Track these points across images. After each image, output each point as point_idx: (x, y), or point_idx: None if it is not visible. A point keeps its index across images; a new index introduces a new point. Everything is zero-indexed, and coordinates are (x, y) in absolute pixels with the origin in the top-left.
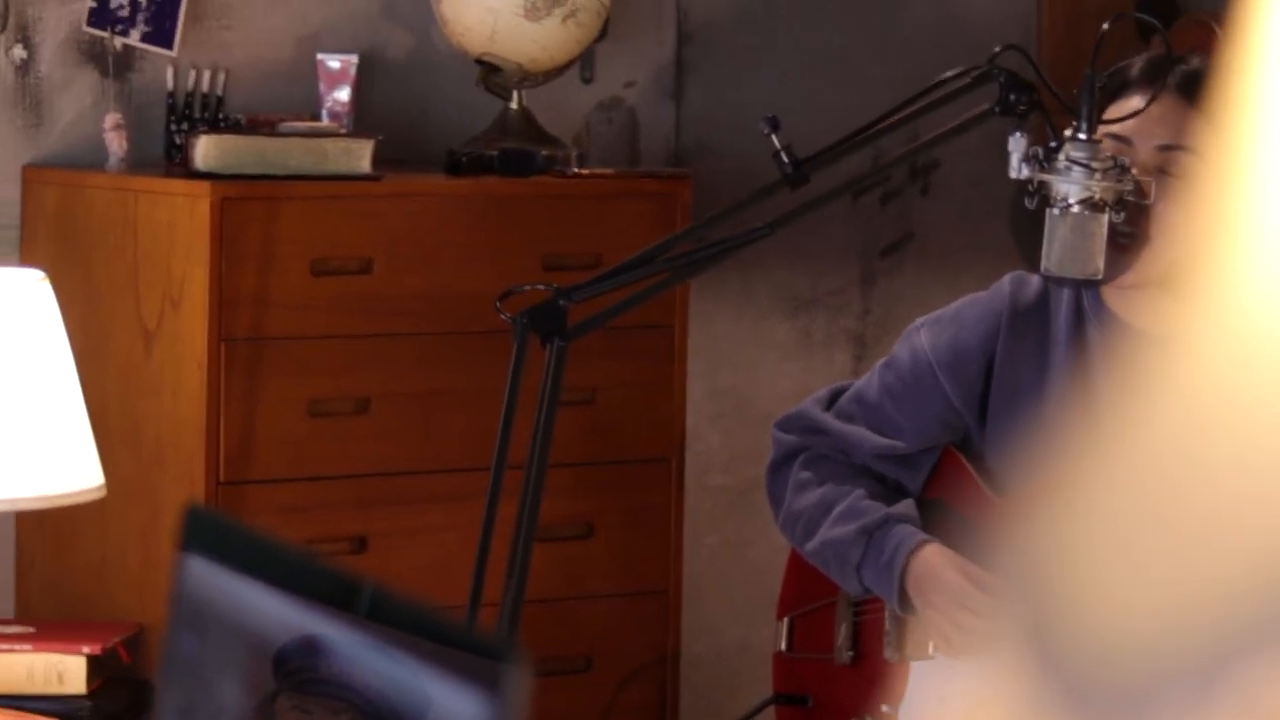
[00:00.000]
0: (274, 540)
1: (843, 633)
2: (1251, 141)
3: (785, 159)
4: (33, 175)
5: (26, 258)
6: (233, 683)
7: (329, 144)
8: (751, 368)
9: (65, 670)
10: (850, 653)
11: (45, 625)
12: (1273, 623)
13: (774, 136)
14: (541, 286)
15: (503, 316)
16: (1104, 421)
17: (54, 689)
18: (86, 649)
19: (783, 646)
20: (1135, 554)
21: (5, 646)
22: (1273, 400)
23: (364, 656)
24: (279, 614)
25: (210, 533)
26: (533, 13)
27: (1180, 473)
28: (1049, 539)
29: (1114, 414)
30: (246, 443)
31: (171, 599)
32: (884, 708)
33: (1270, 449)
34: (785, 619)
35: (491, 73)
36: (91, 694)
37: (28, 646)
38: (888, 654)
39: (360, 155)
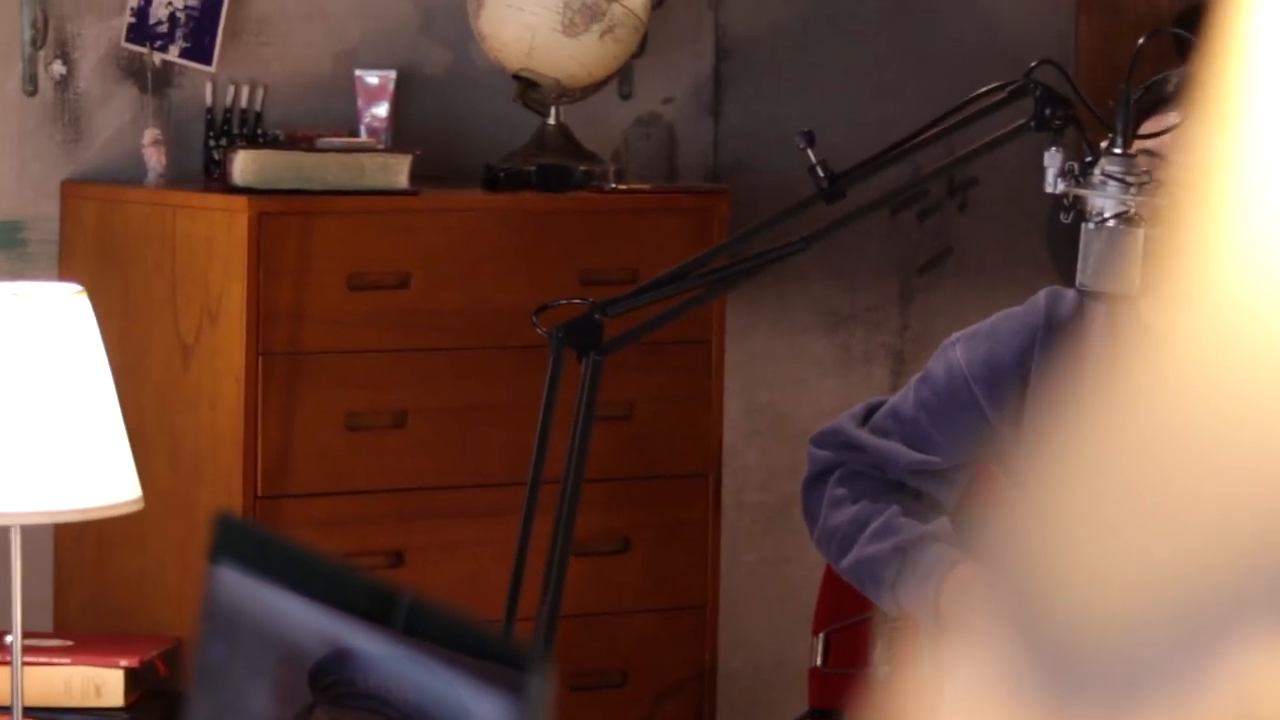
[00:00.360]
0: (308, 550)
1: (879, 648)
2: (1239, 138)
3: (821, 174)
4: (71, 191)
5: (65, 273)
6: (264, 692)
7: (366, 159)
8: (789, 384)
9: (103, 683)
10: (886, 667)
11: (83, 639)
12: (1256, 597)
13: (809, 151)
14: (577, 300)
15: (538, 331)
16: (1095, 407)
17: (92, 702)
18: (124, 662)
19: (818, 662)
20: (1120, 532)
21: (44, 660)
22: (1259, 382)
23: (401, 670)
24: (315, 626)
25: (242, 542)
26: (570, 28)
27: (1168, 453)
28: (1037, 523)
29: (1106, 400)
30: (284, 457)
31: (202, 608)
32: None
33: (1255, 427)
34: (821, 634)
35: (529, 88)
36: (129, 707)
37: (66, 660)
38: (923, 669)
39: (398, 170)
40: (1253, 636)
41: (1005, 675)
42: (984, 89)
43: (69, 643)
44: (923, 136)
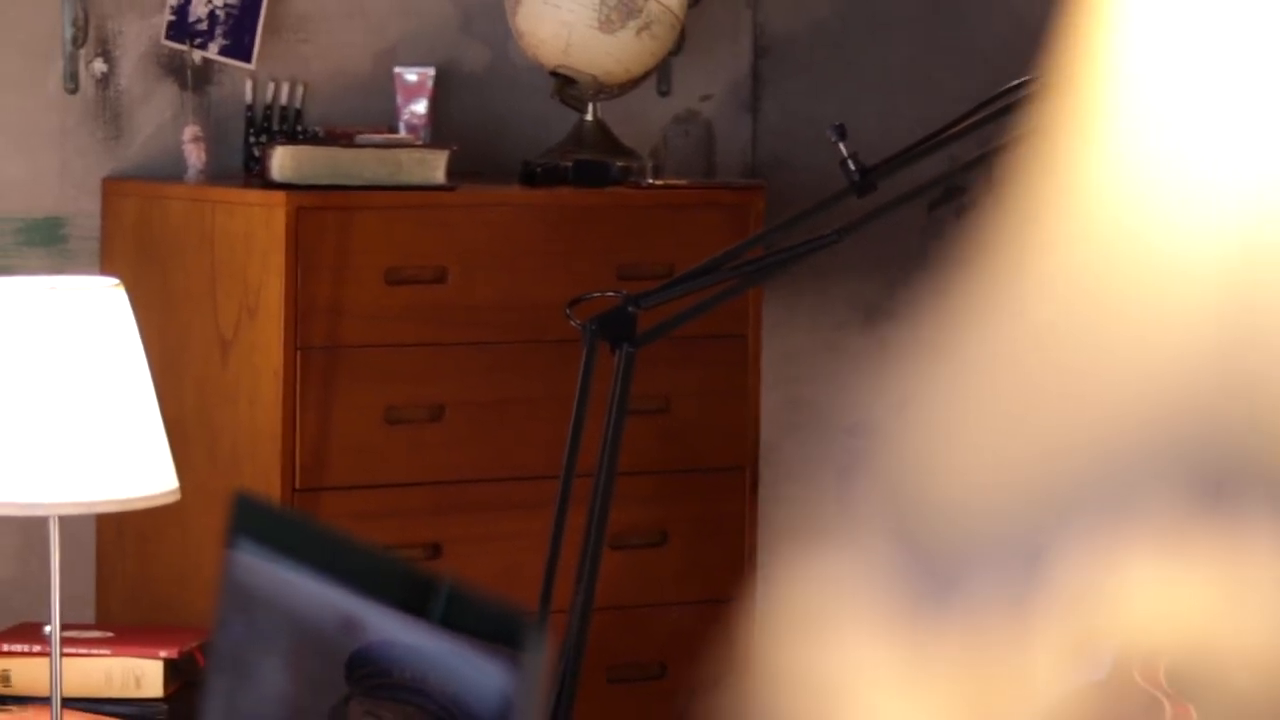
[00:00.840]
0: (334, 533)
1: None
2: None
3: (852, 167)
4: (112, 187)
5: (106, 268)
6: (283, 673)
7: (404, 155)
8: (827, 379)
9: (143, 674)
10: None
11: (124, 631)
12: (1092, 496)
13: (841, 145)
14: (611, 293)
15: (572, 323)
16: (978, 332)
17: (132, 693)
18: (164, 653)
19: None
20: (985, 437)
21: (85, 651)
22: (1109, 321)
23: (438, 660)
24: (341, 609)
25: (263, 523)
26: (607, 25)
27: (1028, 370)
28: (918, 433)
29: (986, 326)
30: (322, 450)
31: (221, 589)
32: None
33: (1100, 351)
34: None
35: (566, 85)
36: (168, 698)
37: (106, 651)
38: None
39: (435, 166)
40: (1096, 529)
41: (883, 574)
42: (1014, 83)
43: (109, 634)
44: (952, 130)
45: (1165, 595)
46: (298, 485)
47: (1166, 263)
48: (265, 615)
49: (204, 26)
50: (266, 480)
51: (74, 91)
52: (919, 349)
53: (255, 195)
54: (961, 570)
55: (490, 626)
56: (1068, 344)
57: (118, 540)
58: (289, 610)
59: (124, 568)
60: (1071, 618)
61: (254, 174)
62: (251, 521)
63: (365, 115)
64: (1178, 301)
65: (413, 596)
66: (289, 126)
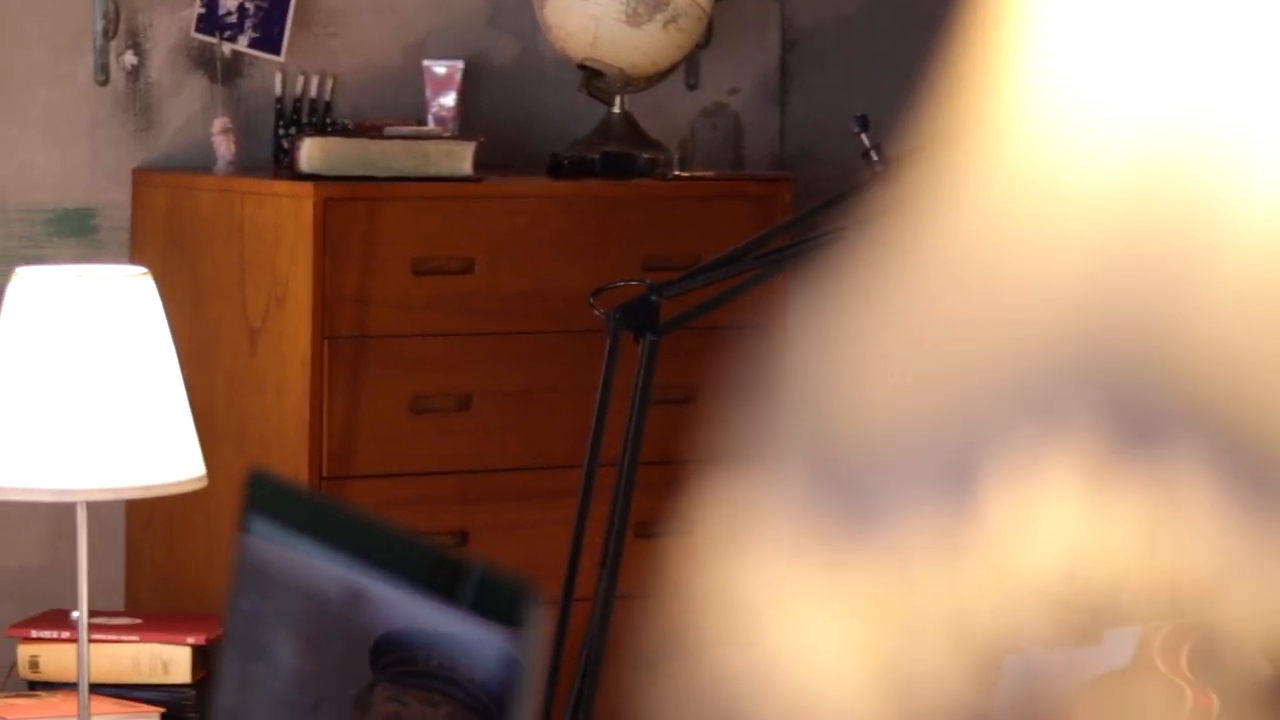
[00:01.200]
0: (359, 514)
1: None
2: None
3: (874, 157)
4: (142, 179)
5: (136, 259)
6: (305, 658)
7: (431, 146)
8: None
9: (170, 660)
10: None
11: (152, 617)
12: (997, 431)
13: (863, 135)
14: (635, 282)
15: (596, 312)
16: (892, 278)
17: (159, 679)
18: (191, 640)
19: None
20: (902, 375)
21: (114, 637)
22: (1020, 248)
23: (465, 646)
24: (373, 598)
25: (279, 501)
26: (634, 18)
27: (938, 310)
28: (837, 372)
29: (900, 272)
30: (349, 439)
31: (236, 568)
32: None
33: (993, 299)
34: None
35: (594, 78)
36: (196, 683)
37: (134, 637)
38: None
39: (462, 157)
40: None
41: (805, 508)
42: None
43: (137, 620)
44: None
45: (1087, 525)
46: (325, 473)
47: (1078, 197)
48: (284, 598)
49: (234, 19)
50: (294, 468)
51: (105, 83)
52: (846, 281)
53: (284, 186)
54: (882, 496)
55: (505, 607)
56: (988, 275)
57: (147, 528)
58: (310, 593)
59: (153, 555)
60: (994, 543)
61: (283, 165)
62: (269, 501)
63: (394, 108)
64: (1092, 236)
65: (439, 580)
66: (318, 119)
